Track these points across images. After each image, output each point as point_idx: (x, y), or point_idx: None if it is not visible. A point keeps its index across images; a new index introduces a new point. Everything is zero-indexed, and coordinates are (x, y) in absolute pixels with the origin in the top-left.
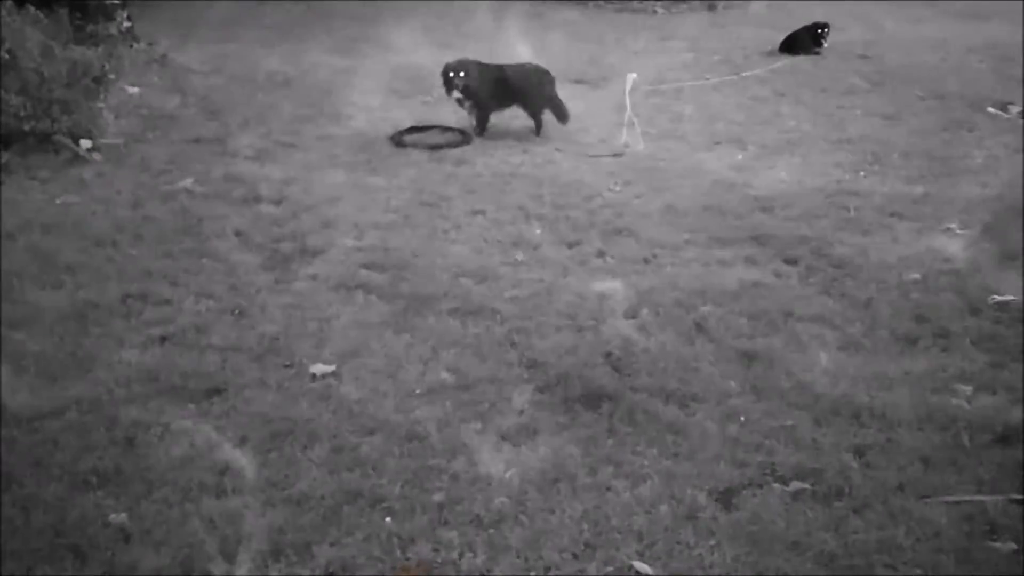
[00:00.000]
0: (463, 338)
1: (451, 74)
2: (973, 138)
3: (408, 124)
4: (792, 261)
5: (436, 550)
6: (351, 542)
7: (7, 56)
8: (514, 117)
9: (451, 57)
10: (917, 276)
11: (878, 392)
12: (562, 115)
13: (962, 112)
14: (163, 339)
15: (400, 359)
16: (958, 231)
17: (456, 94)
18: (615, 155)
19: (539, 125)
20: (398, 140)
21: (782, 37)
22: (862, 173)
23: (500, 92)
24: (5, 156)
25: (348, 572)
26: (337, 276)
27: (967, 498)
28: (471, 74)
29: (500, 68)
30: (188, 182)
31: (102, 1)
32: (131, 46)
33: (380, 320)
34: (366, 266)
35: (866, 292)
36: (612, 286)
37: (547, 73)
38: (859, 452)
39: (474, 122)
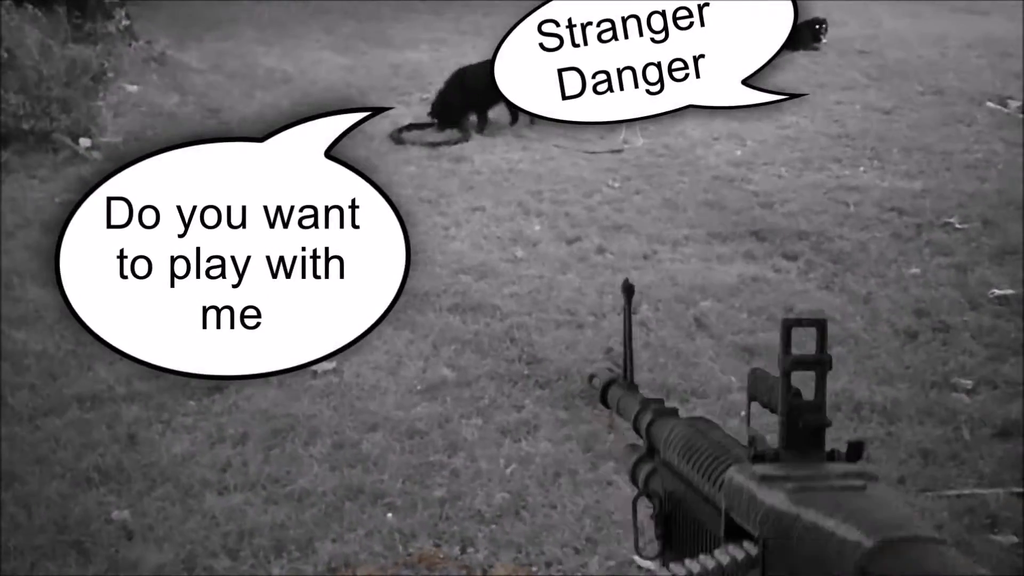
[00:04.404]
0: (463, 334)
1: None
2: (972, 133)
3: (407, 121)
4: (792, 256)
5: (437, 545)
6: (353, 538)
7: (6, 55)
8: None
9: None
10: (917, 271)
11: (878, 386)
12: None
13: (961, 107)
14: None
15: (400, 355)
16: (957, 225)
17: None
18: (614, 151)
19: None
20: (397, 137)
21: None
22: (861, 168)
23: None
24: (4, 155)
25: (350, 568)
26: None
27: (968, 491)
28: (472, 73)
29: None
30: None
31: None
32: (130, 44)
33: None
34: None
35: (866, 287)
36: None
37: None
38: None
39: (473, 119)
